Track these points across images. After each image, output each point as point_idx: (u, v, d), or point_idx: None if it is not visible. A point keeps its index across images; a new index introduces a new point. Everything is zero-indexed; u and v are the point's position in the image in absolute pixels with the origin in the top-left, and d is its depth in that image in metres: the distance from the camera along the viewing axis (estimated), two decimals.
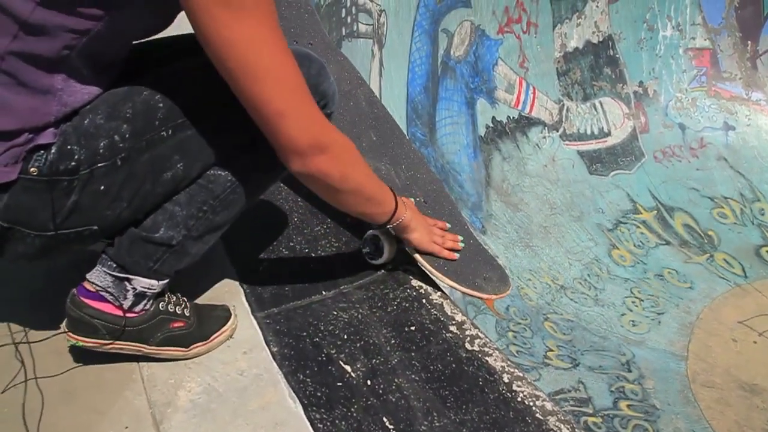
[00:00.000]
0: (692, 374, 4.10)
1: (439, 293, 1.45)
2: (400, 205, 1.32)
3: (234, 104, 1.01)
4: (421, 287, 1.48)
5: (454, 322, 1.38)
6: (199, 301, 1.45)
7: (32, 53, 0.93)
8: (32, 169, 0.99)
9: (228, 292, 1.50)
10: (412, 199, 1.51)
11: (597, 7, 5.79)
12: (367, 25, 4.56)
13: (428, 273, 1.42)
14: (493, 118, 5.37)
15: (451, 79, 5.23)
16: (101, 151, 1.01)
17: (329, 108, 1.20)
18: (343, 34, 4.27)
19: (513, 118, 5.44)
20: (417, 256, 1.42)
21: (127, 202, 1.08)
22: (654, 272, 4.89)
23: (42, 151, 0.99)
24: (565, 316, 4.52)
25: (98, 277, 1.19)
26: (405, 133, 4.25)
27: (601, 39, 5.82)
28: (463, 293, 1.42)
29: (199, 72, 1.04)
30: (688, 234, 5.21)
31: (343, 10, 4.33)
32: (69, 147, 1.00)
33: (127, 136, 1.03)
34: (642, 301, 4.65)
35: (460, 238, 1.50)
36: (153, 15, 1.01)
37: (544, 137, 5.45)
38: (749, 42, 5.70)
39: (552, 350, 4.28)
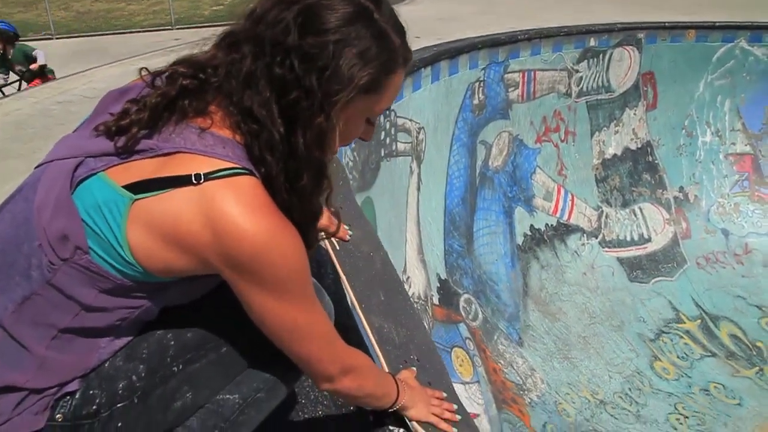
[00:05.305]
0: None
1: None
2: (401, 392, 1.47)
3: (238, 337, 1.17)
4: None
5: None
6: None
7: (88, 326, 1.08)
8: (58, 416, 1.10)
9: None
10: (413, 368, 1.65)
11: (635, 114, 5.87)
12: (405, 143, 4.70)
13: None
14: (531, 226, 5.43)
15: (489, 188, 5.35)
16: (120, 392, 1.14)
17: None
18: (382, 155, 4.40)
19: (551, 225, 5.49)
20: (413, 423, 1.55)
21: None
22: (699, 386, 4.75)
23: (68, 397, 1.11)
24: None
25: None
26: (441, 248, 4.31)
27: (639, 145, 5.87)
28: None
29: (207, 309, 1.22)
30: (734, 345, 5.06)
31: (383, 132, 4.46)
32: (91, 392, 1.12)
33: (143, 375, 1.16)
34: (687, 418, 4.51)
35: (455, 407, 1.63)
36: (193, 288, 1.17)
37: (583, 244, 5.47)
38: None
39: None
